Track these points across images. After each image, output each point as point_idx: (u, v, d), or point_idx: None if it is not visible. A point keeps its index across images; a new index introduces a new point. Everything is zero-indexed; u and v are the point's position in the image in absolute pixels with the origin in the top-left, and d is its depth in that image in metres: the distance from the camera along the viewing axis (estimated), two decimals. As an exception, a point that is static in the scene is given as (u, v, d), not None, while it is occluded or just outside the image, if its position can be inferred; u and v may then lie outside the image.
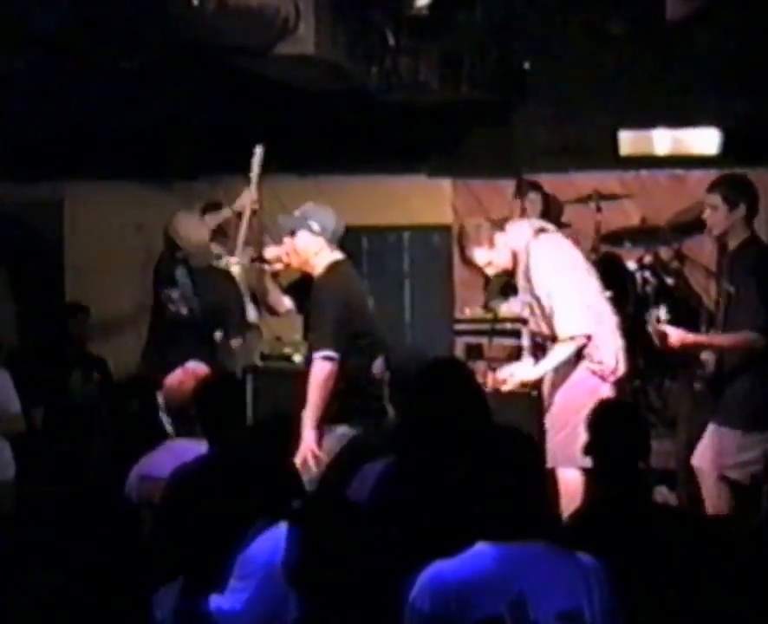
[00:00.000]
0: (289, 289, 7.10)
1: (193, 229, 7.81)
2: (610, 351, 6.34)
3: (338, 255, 6.53)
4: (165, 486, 4.76)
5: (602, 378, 6.33)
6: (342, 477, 4.47)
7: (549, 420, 6.42)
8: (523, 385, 6.48)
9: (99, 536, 4.26)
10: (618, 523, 4.13)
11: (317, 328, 6.34)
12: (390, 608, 3.44)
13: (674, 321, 6.90)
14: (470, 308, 8.72)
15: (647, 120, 9.22)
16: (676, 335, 5.98)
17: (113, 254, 10.26)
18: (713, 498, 6.01)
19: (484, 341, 8.39)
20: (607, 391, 6.30)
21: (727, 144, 9.21)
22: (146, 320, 8.06)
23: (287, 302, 7.13)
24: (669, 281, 7.89)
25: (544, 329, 6.46)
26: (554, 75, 8.87)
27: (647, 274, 7.52)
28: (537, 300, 6.43)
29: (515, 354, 7.92)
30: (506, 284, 7.75)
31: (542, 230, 6.61)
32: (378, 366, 6.37)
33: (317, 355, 6.22)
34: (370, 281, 10.74)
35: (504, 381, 6.43)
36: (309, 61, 6.89)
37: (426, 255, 10.64)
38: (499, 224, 8.14)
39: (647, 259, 7.63)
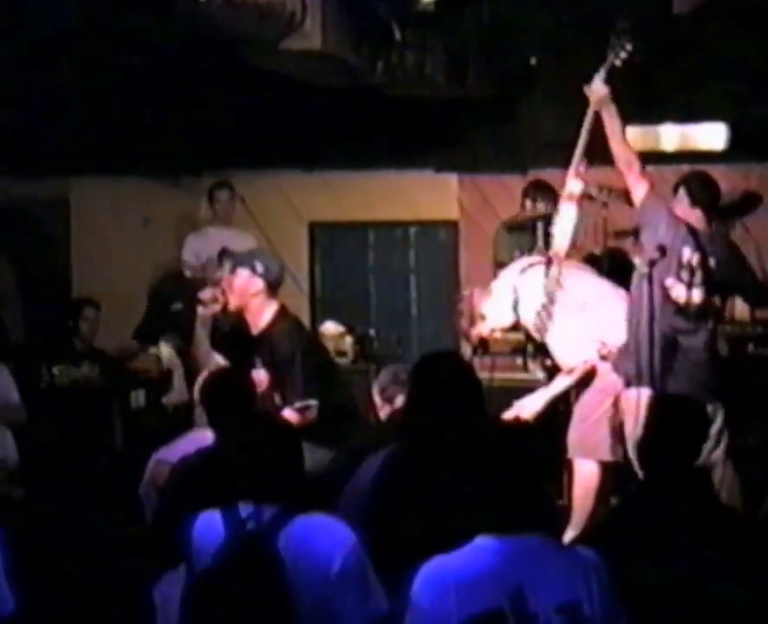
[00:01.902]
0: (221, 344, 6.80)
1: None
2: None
3: (276, 303, 6.32)
4: (169, 473, 4.82)
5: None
6: (347, 468, 4.49)
7: (576, 411, 6.49)
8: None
9: (103, 523, 4.29)
10: (659, 520, 4.03)
11: (295, 376, 6.12)
12: None
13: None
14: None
15: (653, 115, 9.21)
16: None
17: (120, 249, 10.28)
18: None
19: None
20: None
21: (735, 139, 9.19)
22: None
23: (218, 359, 6.81)
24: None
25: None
26: (560, 70, 8.86)
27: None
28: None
29: (520, 348, 7.94)
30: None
31: (531, 265, 6.74)
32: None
33: (298, 406, 6.06)
34: (376, 276, 10.81)
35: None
36: (315, 55, 6.90)
37: (432, 250, 10.65)
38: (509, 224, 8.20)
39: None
